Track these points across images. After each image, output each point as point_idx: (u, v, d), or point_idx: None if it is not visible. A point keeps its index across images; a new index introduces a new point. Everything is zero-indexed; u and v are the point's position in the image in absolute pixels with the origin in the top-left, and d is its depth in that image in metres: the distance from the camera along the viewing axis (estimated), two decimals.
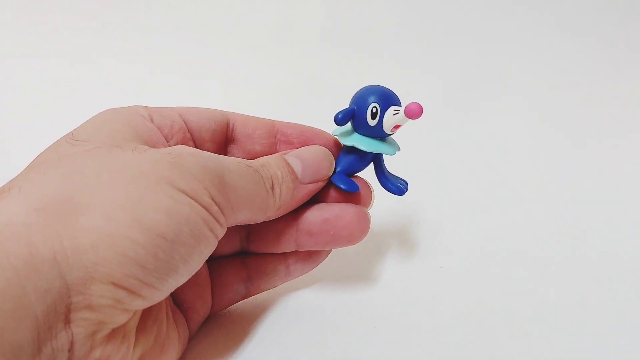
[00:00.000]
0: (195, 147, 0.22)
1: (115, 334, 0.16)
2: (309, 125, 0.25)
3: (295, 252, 0.24)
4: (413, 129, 0.41)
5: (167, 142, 0.20)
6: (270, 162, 0.21)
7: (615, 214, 0.32)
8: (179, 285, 0.17)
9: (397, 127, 0.22)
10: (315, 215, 0.23)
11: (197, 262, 0.17)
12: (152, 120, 0.20)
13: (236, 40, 0.56)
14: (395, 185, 0.24)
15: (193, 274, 0.18)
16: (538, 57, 0.53)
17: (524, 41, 0.55)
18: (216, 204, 0.18)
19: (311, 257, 0.25)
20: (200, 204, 0.17)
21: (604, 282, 0.26)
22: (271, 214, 0.21)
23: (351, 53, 0.55)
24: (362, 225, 0.23)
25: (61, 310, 0.14)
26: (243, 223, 0.20)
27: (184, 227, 0.16)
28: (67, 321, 0.14)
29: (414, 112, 0.20)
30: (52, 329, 0.14)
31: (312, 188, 0.23)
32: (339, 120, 0.22)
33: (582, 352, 0.22)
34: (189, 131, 0.22)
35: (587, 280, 0.26)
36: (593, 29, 0.55)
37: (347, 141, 0.23)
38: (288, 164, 0.22)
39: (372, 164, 0.24)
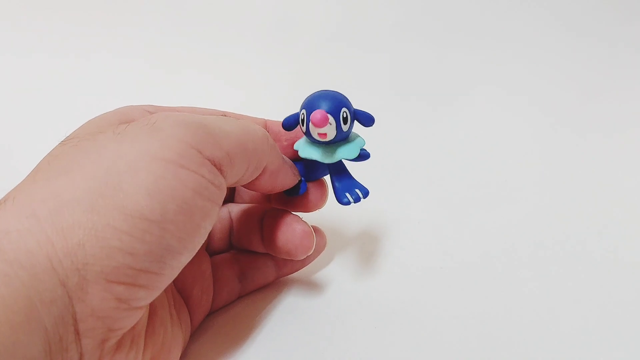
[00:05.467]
0: None
1: (123, 340, 0.16)
2: None
3: None
4: (416, 129, 0.41)
5: None
6: None
7: (615, 213, 0.31)
8: (184, 264, 0.16)
9: (320, 134, 0.21)
10: (268, 220, 0.24)
11: (197, 237, 0.16)
12: None
13: (238, 38, 0.56)
14: (343, 194, 0.23)
15: (197, 249, 0.17)
16: (536, 53, 0.53)
17: (522, 38, 0.55)
18: (209, 161, 0.16)
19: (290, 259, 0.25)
20: (189, 169, 0.16)
21: (605, 281, 0.26)
22: (266, 161, 0.20)
23: (352, 53, 0.55)
24: (298, 242, 0.23)
25: (69, 322, 0.14)
26: (242, 179, 0.19)
27: (169, 204, 0.15)
28: (77, 332, 0.14)
29: (314, 121, 0.20)
30: (63, 341, 0.14)
31: (293, 173, 0.23)
32: (286, 125, 0.22)
33: (582, 352, 0.22)
34: None
35: (588, 280, 0.26)
36: (589, 25, 0.55)
37: (295, 145, 0.23)
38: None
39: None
